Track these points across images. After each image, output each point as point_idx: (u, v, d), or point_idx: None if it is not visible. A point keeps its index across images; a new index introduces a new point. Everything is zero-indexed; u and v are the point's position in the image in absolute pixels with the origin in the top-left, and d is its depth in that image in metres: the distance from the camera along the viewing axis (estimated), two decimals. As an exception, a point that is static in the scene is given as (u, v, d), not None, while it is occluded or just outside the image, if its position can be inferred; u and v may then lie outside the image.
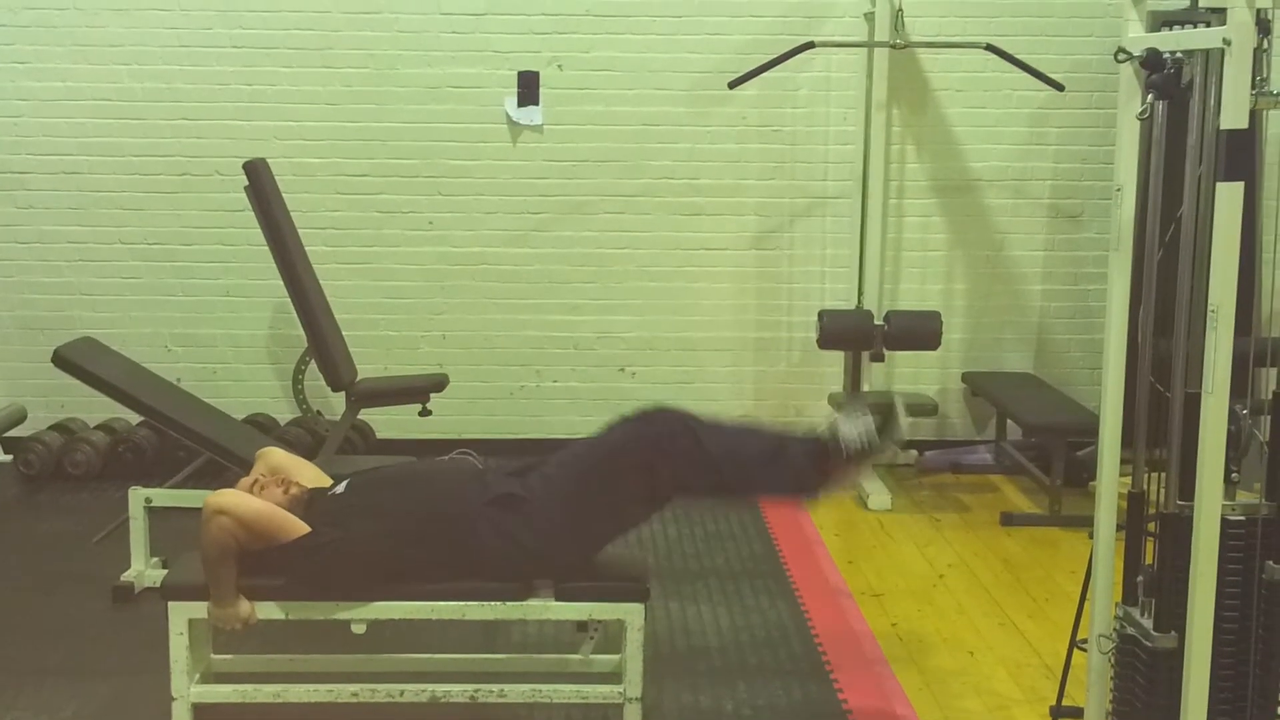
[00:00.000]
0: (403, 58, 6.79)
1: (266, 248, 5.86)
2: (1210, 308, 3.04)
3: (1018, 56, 6.40)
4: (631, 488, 3.87)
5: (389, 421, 6.74)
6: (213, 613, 3.84)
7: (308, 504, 3.92)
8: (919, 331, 6.50)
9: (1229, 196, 3.01)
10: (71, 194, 6.81)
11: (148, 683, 4.14)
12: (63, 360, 5.46)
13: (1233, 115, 2.99)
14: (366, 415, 6.49)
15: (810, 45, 6.43)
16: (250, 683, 4.00)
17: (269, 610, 3.88)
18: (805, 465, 3.84)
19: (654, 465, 3.83)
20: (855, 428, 3.79)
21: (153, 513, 5.02)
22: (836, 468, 3.83)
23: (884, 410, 3.84)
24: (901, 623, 4.97)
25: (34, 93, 6.73)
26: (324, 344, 5.81)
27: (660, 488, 3.90)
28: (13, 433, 6.75)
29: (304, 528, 3.81)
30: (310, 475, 4.12)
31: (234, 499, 3.80)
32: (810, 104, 6.93)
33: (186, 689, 3.88)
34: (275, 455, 4.16)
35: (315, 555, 3.80)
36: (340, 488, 3.99)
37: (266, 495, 3.92)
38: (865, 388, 6.77)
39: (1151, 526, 3.46)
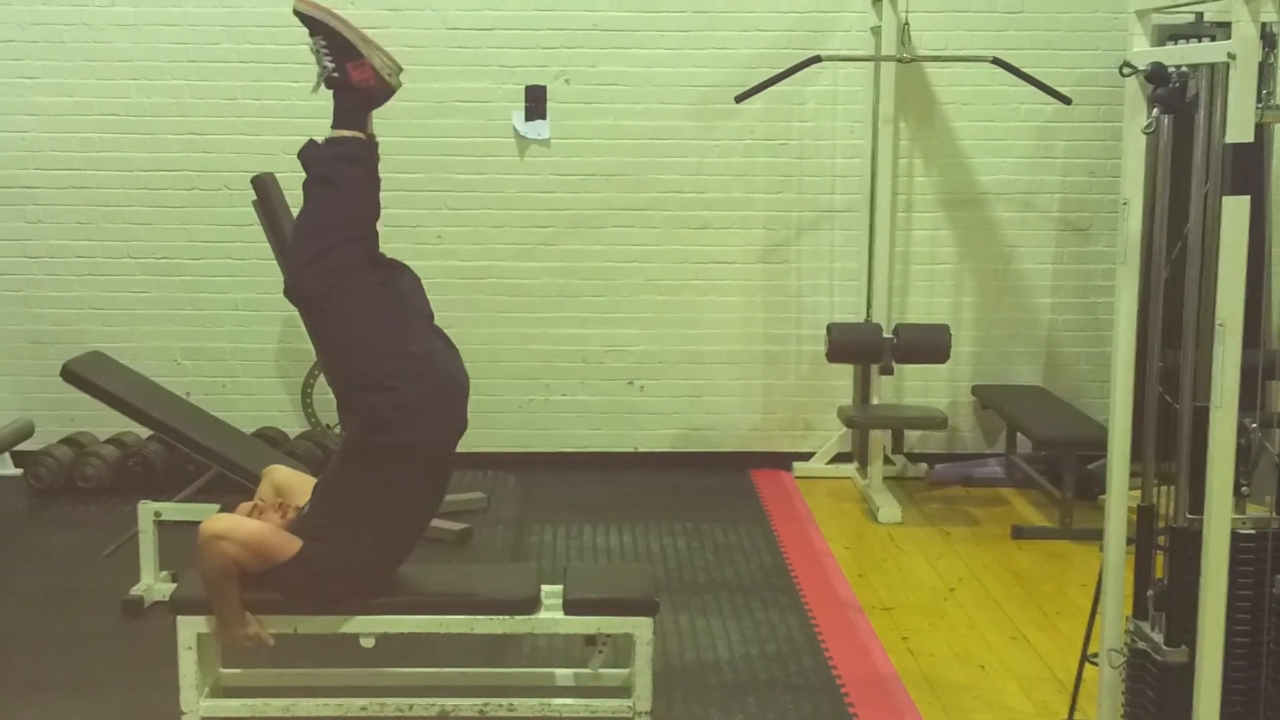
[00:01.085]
0: (410, 72, 6.66)
1: (275, 262, 5.87)
2: (1218, 321, 3.04)
3: (1025, 70, 6.40)
4: (361, 316, 3.81)
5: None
6: (222, 635, 3.84)
7: (297, 524, 3.91)
8: (928, 344, 6.49)
9: (1235, 210, 3.00)
10: (80, 208, 6.83)
11: (157, 697, 4.14)
12: (72, 374, 5.48)
13: (1238, 129, 2.98)
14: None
15: (817, 59, 6.44)
16: (259, 697, 4.00)
17: (278, 624, 3.87)
18: (326, 153, 3.92)
19: (336, 302, 3.79)
20: (316, 61, 3.87)
21: (162, 526, 5.02)
22: (353, 87, 3.90)
23: (307, 24, 3.85)
24: (912, 636, 4.96)
25: (43, 108, 6.75)
26: (333, 358, 5.80)
27: (361, 296, 3.83)
28: (23, 446, 6.76)
29: (298, 543, 3.80)
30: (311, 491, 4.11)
31: (229, 523, 3.79)
32: (817, 118, 6.94)
33: (196, 703, 3.87)
34: (280, 473, 4.15)
35: (309, 570, 3.79)
36: (306, 505, 3.98)
37: (265, 519, 3.91)
38: (875, 401, 6.76)
39: (1162, 540, 3.45)
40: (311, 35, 3.84)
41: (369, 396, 3.79)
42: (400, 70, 3.93)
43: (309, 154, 3.90)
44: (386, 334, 3.82)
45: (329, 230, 3.84)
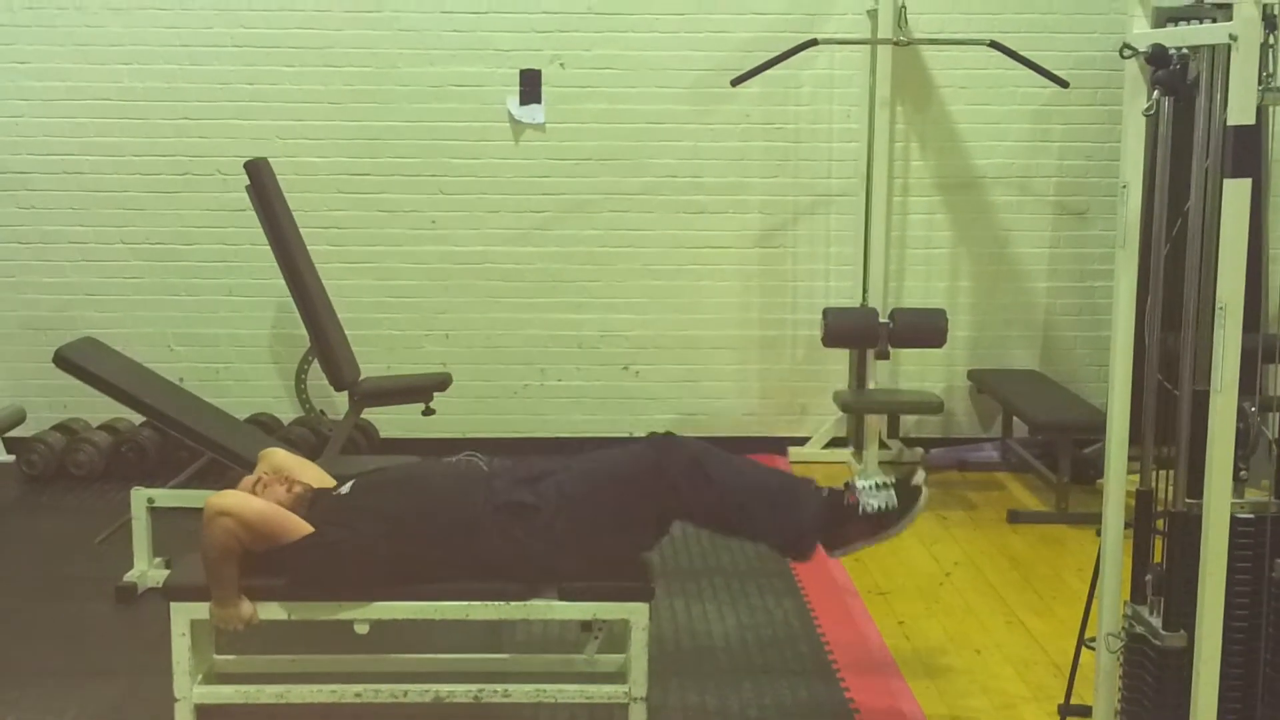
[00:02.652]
0: (404, 56, 6.78)
1: (269, 247, 5.84)
2: (1218, 304, 3.02)
3: (1022, 53, 6.38)
4: (639, 513, 3.86)
5: (392, 421, 6.72)
6: (214, 613, 3.82)
7: (311, 504, 3.90)
8: (924, 329, 6.48)
9: (1236, 193, 2.98)
10: (73, 194, 6.80)
11: (151, 684, 4.12)
12: (64, 360, 5.44)
13: (1239, 111, 2.96)
14: (370, 415, 6.48)
15: (813, 43, 6.42)
16: (253, 683, 3.98)
17: (272, 610, 3.85)
18: (812, 517, 3.81)
19: (663, 496, 3.82)
20: (876, 495, 3.78)
21: (155, 513, 5.01)
22: (847, 531, 3.79)
23: (907, 484, 3.81)
24: (908, 621, 4.95)
25: (35, 92, 6.72)
26: (327, 343, 5.79)
27: (666, 517, 3.91)
28: (15, 433, 6.74)
29: (307, 528, 3.79)
30: (313, 476, 4.10)
31: (236, 500, 3.78)
32: (814, 101, 6.92)
33: (189, 690, 3.86)
34: (277, 456, 4.14)
35: (320, 555, 3.77)
36: (345, 488, 3.97)
37: (269, 494, 3.89)
38: (870, 385, 6.75)
39: (1160, 524, 3.44)
40: (900, 493, 3.78)
41: (559, 516, 3.81)
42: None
43: (818, 511, 3.83)
44: (614, 536, 3.87)
45: (725, 514, 3.89)
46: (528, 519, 3.80)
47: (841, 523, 3.79)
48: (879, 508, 3.77)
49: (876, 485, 3.80)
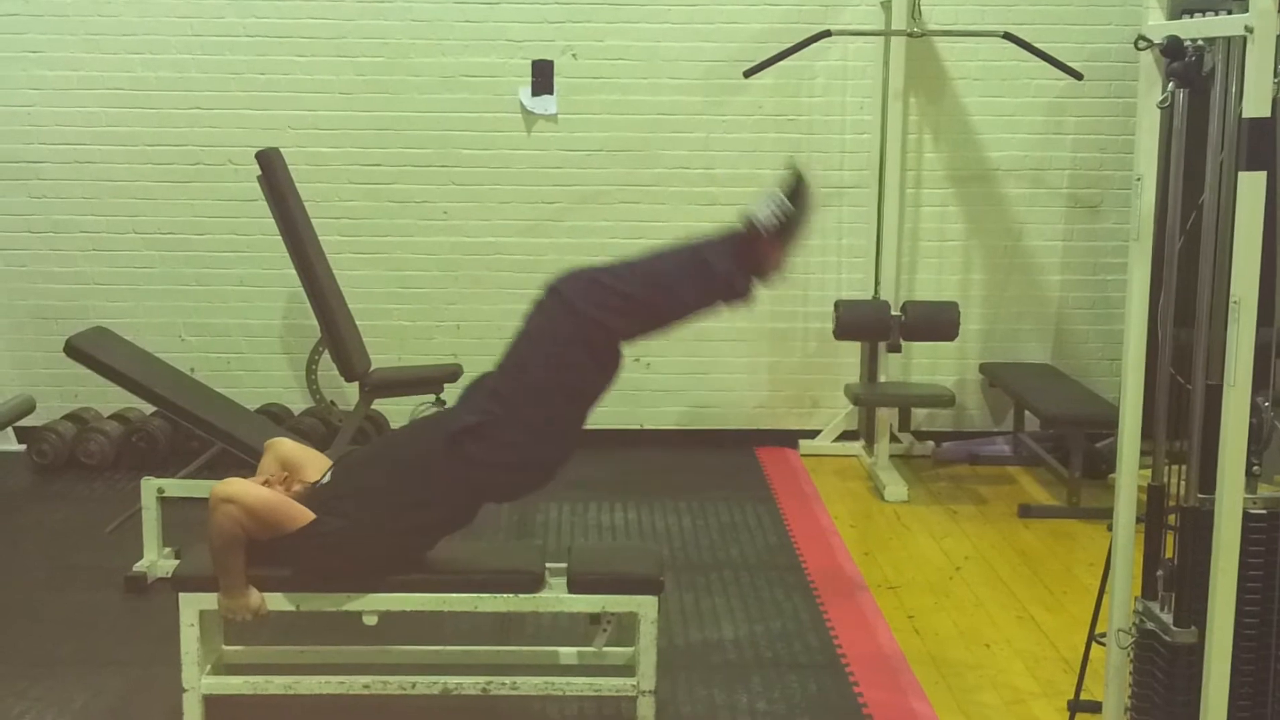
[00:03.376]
0: (416, 47, 6.77)
1: (280, 237, 5.84)
2: (1232, 299, 3.00)
3: (1036, 45, 6.35)
4: (576, 362, 3.77)
5: (403, 412, 6.70)
6: (222, 604, 3.82)
7: (309, 497, 3.90)
8: (936, 322, 6.47)
9: (1251, 186, 2.96)
10: (85, 183, 6.80)
11: (160, 674, 4.13)
12: (75, 350, 5.46)
13: (1255, 104, 2.94)
14: (380, 405, 6.48)
15: (827, 34, 6.39)
16: (262, 674, 3.98)
17: (280, 601, 3.85)
18: (727, 263, 3.72)
19: (581, 330, 3.74)
20: (766, 206, 3.71)
21: (165, 503, 5.01)
22: (760, 252, 3.73)
23: (789, 180, 3.75)
24: (918, 615, 4.94)
25: (47, 82, 6.72)
26: (337, 334, 5.79)
27: (600, 347, 3.78)
28: (26, 422, 6.74)
29: (309, 514, 3.78)
30: (320, 466, 4.08)
31: (240, 487, 3.77)
32: (826, 93, 6.90)
33: (198, 680, 3.85)
34: (284, 446, 4.13)
35: (320, 544, 3.77)
36: (327, 476, 3.96)
37: None
38: (882, 378, 6.74)
39: (1171, 520, 3.42)
40: (785, 191, 3.72)
41: (503, 414, 3.76)
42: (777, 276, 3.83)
43: (730, 254, 3.74)
44: (564, 398, 3.81)
45: (652, 302, 3.78)
46: (480, 436, 3.76)
47: (755, 251, 3.73)
48: (778, 215, 3.70)
49: (766, 202, 3.72)
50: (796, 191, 3.73)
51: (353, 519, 3.79)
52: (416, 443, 3.95)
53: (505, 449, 3.77)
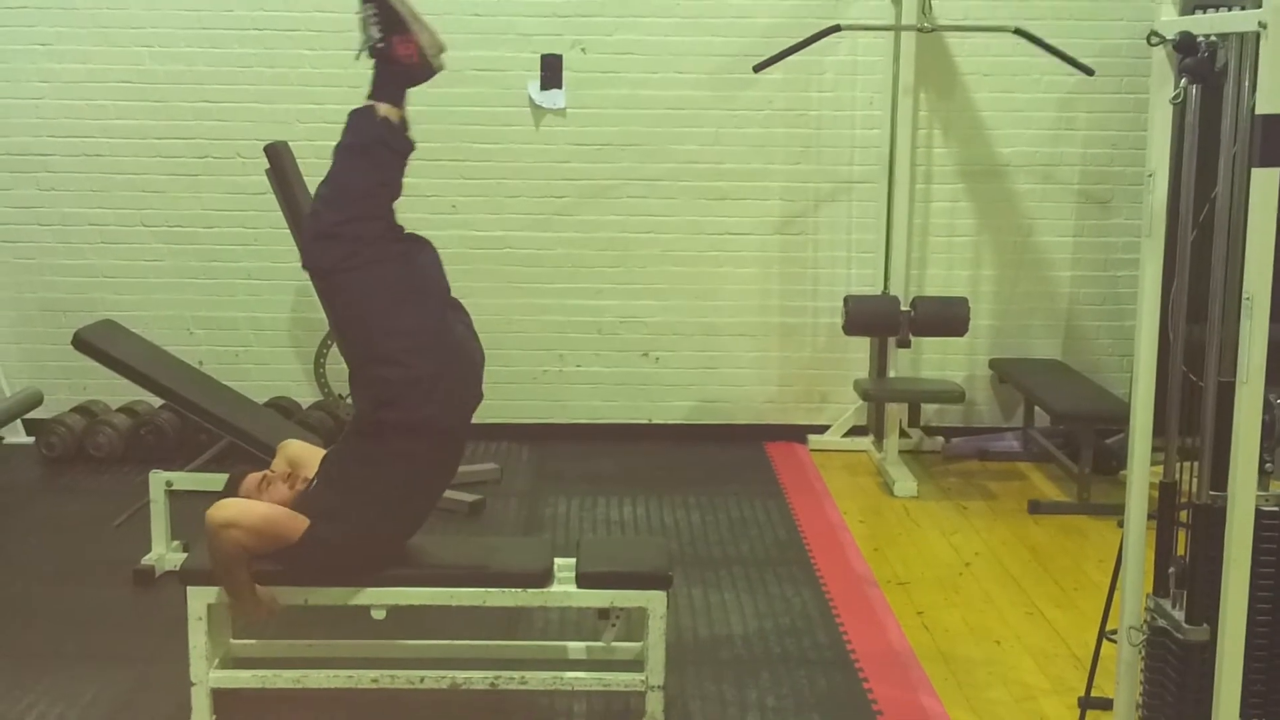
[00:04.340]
0: (426, 40, 6.74)
1: (288, 231, 5.83)
2: (1245, 295, 2.99)
3: (1047, 40, 6.33)
4: (378, 292, 3.78)
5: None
6: (233, 611, 3.83)
7: (301, 499, 3.89)
8: (946, 318, 6.45)
9: (1264, 183, 2.95)
10: (93, 176, 6.80)
11: (168, 667, 4.13)
12: (83, 343, 5.46)
13: (1269, 100, 2.92)
14: (388, 399, 6.45)
15: (837, 28, 6.38)
16: (270, 668, 3.99)
17: (290, 596, 3.86)
18: (370, 124, 3.80)
19: (352, 275, 3.77)
20: (364, 26, 3.79)
21: (173, 496, 5.01)
22: (401, 58, 3.79)
23: None
24: (927, 611, 4.93)
25: (56, 75, 6.71)
26: (346, 328, 5.77)
27: (377, 271, 3.80)
28: (35, 414, 6.74)
29: (305, 522, 3.77)
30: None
31: (237, 510, 3.76)
32: (836, 88, 6.88)
33: (206, 674, 3.86)
34: (294, 447, 4.14)
35: (314, 548, 3.77)
36: (314, 481, 3.96)
37: (272, 493, 3.88)
38: (891, 374, 6.73)
39: (1183, 517, 3.40)
40: (362, 2, 3.78)
41: (380, 370, 3.76)
42: (443, 51, 3.85)
43: (361, 121, 3.83)
44: (400, 310, 3.79)
45: (353, 202, 3.82)
46: (388, 403, 3.76)
47: (397, 61, 3.80)
48: (375, 18, 3.76)
49: (360, 25, 3.79)
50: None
51: (341, 519, 3.78)
52: (353, 447, 3.91)
53: (413, 391, 3.76)
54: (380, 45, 3.79)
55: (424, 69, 3.86)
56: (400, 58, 3.80)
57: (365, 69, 6.61)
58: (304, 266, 3.89)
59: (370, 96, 3.85)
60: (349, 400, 6.73)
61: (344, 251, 3.76)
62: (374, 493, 3.80)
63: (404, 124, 3.86)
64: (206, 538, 3.74)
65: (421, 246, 3.93)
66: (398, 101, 3.85)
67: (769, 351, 7.08)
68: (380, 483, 3.80)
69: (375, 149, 3.82)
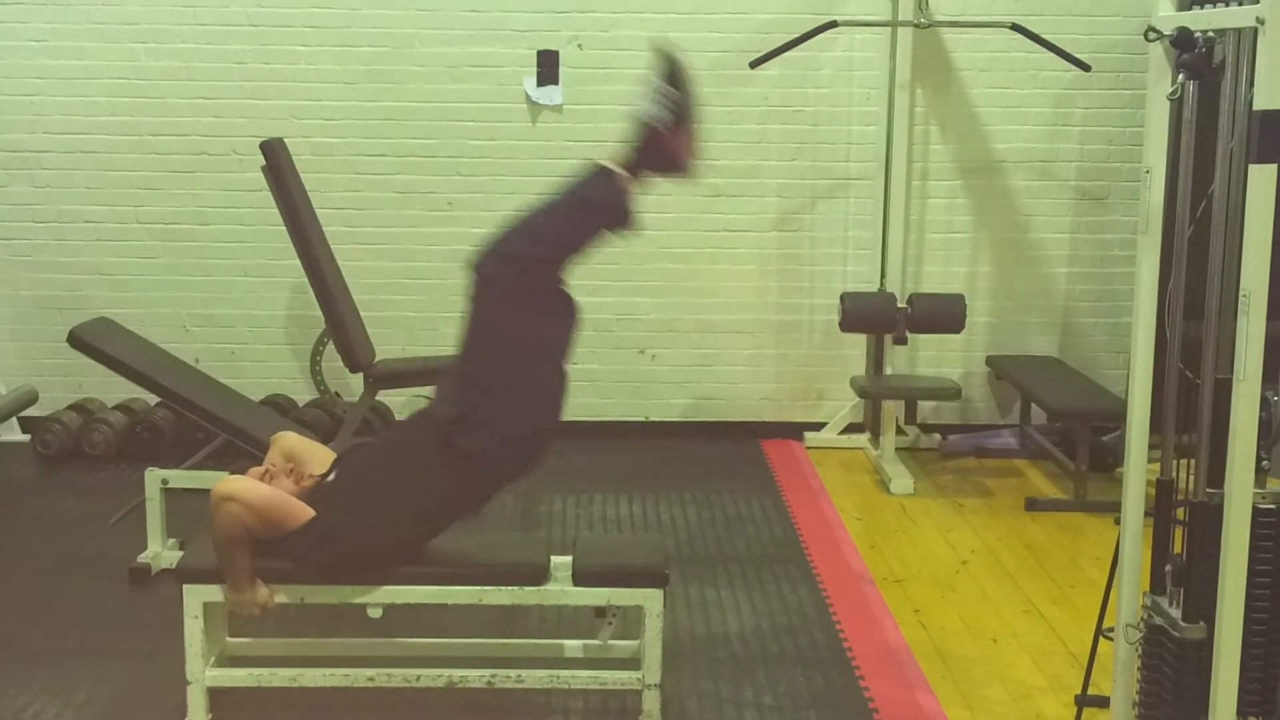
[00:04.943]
0: (421, 37, 6.74)
1: (284, 228, 5.82)
2: (1242, 292, 2.98)
3: (1044, 36, 6.33)
4: (523, 325, 3.80)
5: (407, 403, 6.70)
6: (230, 599, 3.82)
7: (313, 493, 3.89)
8: (942, 315, 6.45)
9: (1262, 179, 2.94)
10: (89, 173, 6.79)
11: (164, 665, 4.13)
12: (78, 340, 5.45)
13: (1267, 96, 2.91)
14: (385, 397, 6.46)
15: (833, 24, 6.37)
16: (266, 666, 3.98)
17: (286, 594, 3.85)
18: (608, 194, 3.79)
19: (511, 298, 3.78)
20: (653, 100, 3.72)
21: (170, 494, 5.00)
22: (667, 147, 3.76)
23: (663, 65, 3.76)
24: (924, 609, 4.92)
25: (51, 71, 6.70)
26: (342, 325, 5.78)
27: (537, 301, 3.83)
28: (30, 412, 6.73)
29: (310, 512, 3.77)
30: (324, 460, 4.08)
31: (241, 485, 3.77)
32: (833, 84, 6.87)
33: (202, 672, 3.85)
34: (289, 440, 4.12)
35: (321, 540, 3.77)
36: (332, 474, 3.96)
37: (276, 485, 3.89)
38: (888, 371, 6.72)
39: (1180, 514, 3.40)
40: (663, 82, 3.73)
41: (478, 397, 3.76)
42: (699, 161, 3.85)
43: (604, 181, 3.82)
44: (528, 359, 3.81)
45: (553, 246, 3.82)
46: (465, 426, 3.75)
47: (661, 147, 3.76)
48: (667, 104, 3.72)
49: (651, 96, 3.74)
50: (674, 74, 3.75)
51: (357, 516, 3.78)
52: (410, 442, 3.94)
53: (493, 430, 3.77)
54: (659, 128, 3.74)
55: (682, 170, 3.84)
56: (670, 149, 3.77)
57: (359, 65, 6.63)
58: (477, 267, 3.83)
59: (621, 163, 3.80)
60: (342, 397, 6.73)
61: (519, 282, 3.77)
62: (401, 499, 3.80)
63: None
64: (211, 512, 3.73)
65: (570, 310, 3.90)
66: (642, 181, 3.83)
67: (765, 349, 7.07)
68: (412, 493, 3.80)
69: (601, 214, 3.82)
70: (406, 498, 3.81)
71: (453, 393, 3.83)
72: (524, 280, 3.77)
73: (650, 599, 3.86)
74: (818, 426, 7.05)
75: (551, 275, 3.83)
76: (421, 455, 3.83)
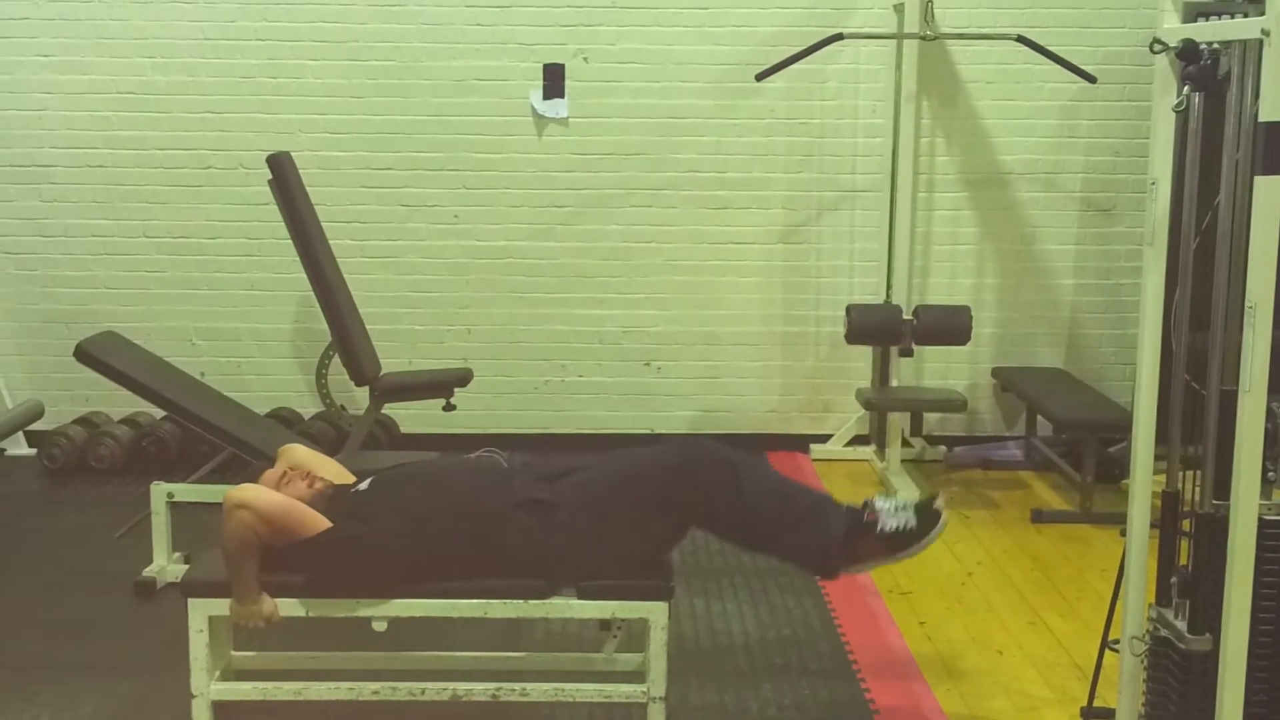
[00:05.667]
0: (427, 50, 6.76)
1: (290, 241, 5.83)
2: (1247, 303, 2.98)
3: (1049, 48, 6.32)
4: (661, 516, 3.82)
5: (413, 416, 6.71)
6: (234, 609, 3.80)
7: (330, 500, 3.88)
8: (948, 326, 6.44)
9: (1268, 191, 2.94)
10: (96, 187, 6.80)
11: (169, 680, 4.11)
12: (84, 354, 5.46)
13: (1272, 107, 2.91)
14: (390, 410, 6.46)
15: (839, 37, 6.37)
16: (271, 680, 3.97)
17: (290, 607, 3.83)
18: (835, 537, 3.75)
19: (689, 499, 3.79)
20: (896, 516, 3.73)
21: (175, 508, 5.00)
22: (862, 545, 3.73)
23: (928, 508, 3.76)
24: (929, 621, 4.91)
25: (58, 86, 6.72)
26: (348, 338, 5.78)
27: (688, 520, 3.85)
28: (36, 426, 6.74)
29: (325, 523, 3.77)
30: (332, 471, 4.08)
31: (255, 493, 3.76)
32: (839, 96, 6.87)
33: (207, 686, 3.85)
34: (297, 452, 4.12)
35: (337, 551, 3.76)
36: (364, 484, 3.96)
37: (291, 490, 3.88)
38: (894, 383, 6.72)
39: (1186, 526, 3.39)
40: (918, 515, 3.73)
41: (575, 512, 3.79)
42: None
43: (840, 518, 3.78)
44: (632, 536, 3.83)
45: (749, 524, 3.79)
46: (547, 516, 3.78)
47: (858, 540, 3.74)
48: (898, 528, 3.72)
49: (897, 507, 3.75)
50: (927, 517, 3.73)
51: (378, 532, 3.77)
52: (479, 487, 3.91)
53: (557, 535, 3.78)
54: (880, 539, 3.72)
55: (847, 561, 3.80)
56: (863, 548, 3.74)
57: (366, 79, 6.64)
58: (682, 454, 3.88)
59: (836, 557, 3.78)
60: (347, 410, 6.74)
61: (703, 491, 3.78)
62: (435, 516, 3.81)
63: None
64: (223, 518, 3.73)
65: (677, 539, 3.95)
66: (849, 566, 3.81)
67: (771, 361, 7.07)
68: (451, 518, 3.82)
69: (814, 541, 3.77)
70: (445, 526, 3.79)
71: (563, 489, 3.84)
72: (713, 500, 3.77)
73: (655, 612, 3.85)
74: (824, 438, 7.04)
75: (719, 521, 3.83)
76: (479, 497, 3.84)
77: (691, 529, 3.91)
